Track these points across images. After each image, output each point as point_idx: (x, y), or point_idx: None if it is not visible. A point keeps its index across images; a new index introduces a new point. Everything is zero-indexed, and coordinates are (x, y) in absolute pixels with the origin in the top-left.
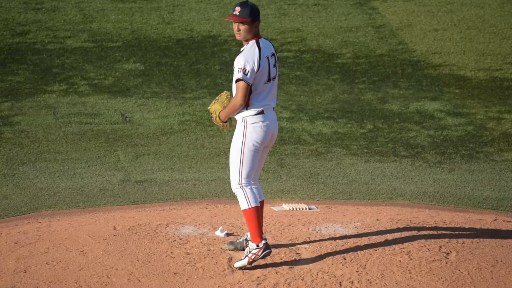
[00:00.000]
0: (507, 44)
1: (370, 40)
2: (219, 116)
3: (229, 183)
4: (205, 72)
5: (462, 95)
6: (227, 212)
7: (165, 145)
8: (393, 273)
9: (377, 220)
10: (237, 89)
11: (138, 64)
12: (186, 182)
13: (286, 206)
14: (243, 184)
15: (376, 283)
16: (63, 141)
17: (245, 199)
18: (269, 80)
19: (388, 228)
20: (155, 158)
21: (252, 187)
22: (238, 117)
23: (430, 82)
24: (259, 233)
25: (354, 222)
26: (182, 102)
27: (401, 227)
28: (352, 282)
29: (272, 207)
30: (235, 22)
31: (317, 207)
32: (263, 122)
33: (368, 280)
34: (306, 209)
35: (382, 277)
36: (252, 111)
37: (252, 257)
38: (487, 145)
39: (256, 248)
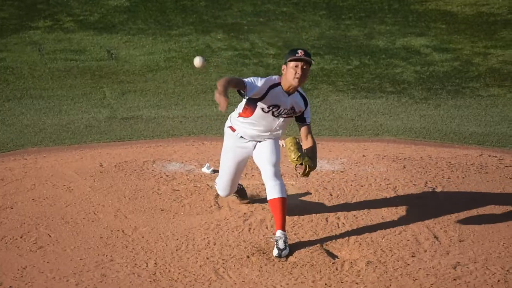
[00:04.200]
0: None
1: None
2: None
3: (215, 119)
4: (191, 9)
5: (448, 30)
6: (214, 149)
7: (151, 82)
8: (379, 208)
9: (363, 156)
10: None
11: (124, 0)
12: (172, 119)
13: None
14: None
15: (362, 219)
16: (49, 78)
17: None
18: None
19: (374, 164)
20: (141, 95)
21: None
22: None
23: (416, 18)
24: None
25: (341, 158)
26: (168, 39)
27: (387, 163)
28: (339, 218)
29: None
30: (303, 62)
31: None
32: None
33: (354, 215)
34: None
35: (368, 213)
36: None
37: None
38: (473, 80)
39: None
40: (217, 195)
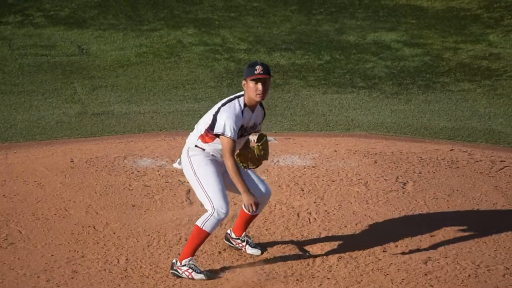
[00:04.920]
0: None
1: None
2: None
3: (187, 115)
4: (162, 4)
5: (419, 25)
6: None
7: (122, 77)
8: (351, 203)
9: (335, 151)
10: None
11: None
12: (143, 114)
13: None
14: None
15: (334, 214)
16: (19, 73)
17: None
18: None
19: (345, 159)
20: (112, 90)
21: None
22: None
23: (387, 13)
24: (191, 254)
25: (312, 153)
26: (139, 34)
27: (358, 158)
28: (310, 213)
29: None
30: (263, 79)
31: (275, 139)
32: None
33: (326, 211)
34: None
35: (339, 207)
36: None
37: (189, 276)
38: (443, 75)
39: (183, 266)
40: (189, 191)
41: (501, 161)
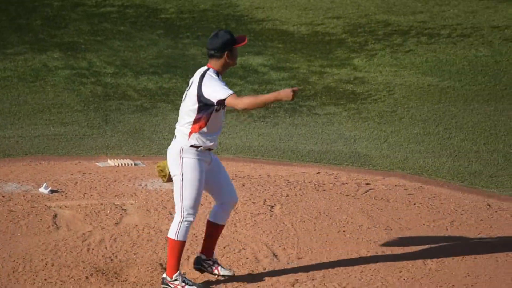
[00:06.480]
0: None
1: None
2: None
3: (53, 139)
4: (26, 28)
5: (285, 49)
6: (52, 169)
7: None
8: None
9: None
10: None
11: None
12: (8, 138)
13: (111, 162)
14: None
15: (202, 237)
16: None
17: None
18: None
19: None
20: None
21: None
22: None
23: (254, 37)
24: (177, 267)
25: None
26: (3, 57)
27: None
28: None
29: (97, 163)
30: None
31: (142, 163)
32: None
33: (194, 234)
34: (131, 164)
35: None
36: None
37: None
38: (310, 99)
39: (174, 281)
40: (55, 215)
41: (366, 184)
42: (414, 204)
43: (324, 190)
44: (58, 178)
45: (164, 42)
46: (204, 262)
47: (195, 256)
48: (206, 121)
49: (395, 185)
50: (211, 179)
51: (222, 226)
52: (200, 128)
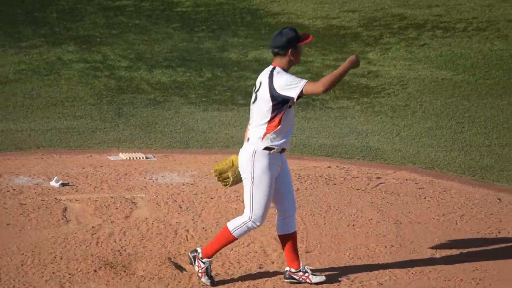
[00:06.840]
0: None
1: None
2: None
3: (65, 132)
4: (42, 20)
5: None
6: (63, 162)
7: None
8: (228, 220)
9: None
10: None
11: None
12: (21, 132)
13: (123, 156)
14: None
15: (211, 231)
16: None
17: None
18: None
19: None
20: None
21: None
22: None
23: (269, 31)
24: (214, 253)
25: (191, 170)
26: (17, 51)
27: None
28: (188, 231)
29: (108, 157)
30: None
31: (154, 156)
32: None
33: (204, 228)
34: (143, 158)
35: (217, 224)
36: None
37: (202, 274)
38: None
39: (204, 264)
40: (65, 209)
41: (377, 178)
42: (425, 198)
43: (334, 184)
44: (69, 172)
45: (179, 35)
46: (294, 275)
47: (284, 270)
48: (281, 119)
49: (406, 179)
50: (278, 185)
51: (294, 233)
52: (276, 127)
